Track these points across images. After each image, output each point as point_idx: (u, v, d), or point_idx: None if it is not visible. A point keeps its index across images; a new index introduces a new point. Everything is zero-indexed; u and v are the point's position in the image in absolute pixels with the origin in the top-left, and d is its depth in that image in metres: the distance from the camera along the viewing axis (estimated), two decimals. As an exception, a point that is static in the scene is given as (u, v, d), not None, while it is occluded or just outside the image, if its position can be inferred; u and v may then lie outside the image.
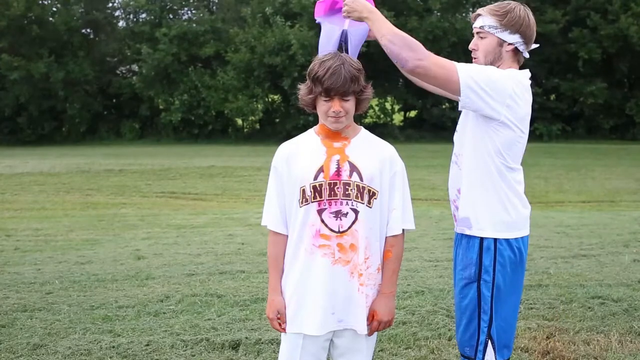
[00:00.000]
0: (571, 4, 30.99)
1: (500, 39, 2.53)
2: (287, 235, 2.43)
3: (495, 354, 2.55)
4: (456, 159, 2.65)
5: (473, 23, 2.61)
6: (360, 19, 2.49)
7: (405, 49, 2.36)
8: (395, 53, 2.38)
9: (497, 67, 2.55)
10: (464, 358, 2.62)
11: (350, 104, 2.33)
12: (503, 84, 2.42)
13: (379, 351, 3.78)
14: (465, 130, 2.59)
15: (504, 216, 2.53)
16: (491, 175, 2.52)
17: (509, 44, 2.54)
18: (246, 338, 3.99)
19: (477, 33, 2.59)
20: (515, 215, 2.55)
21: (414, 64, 2.36)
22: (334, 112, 2.32)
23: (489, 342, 2.54)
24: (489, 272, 2.52)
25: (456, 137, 2.68)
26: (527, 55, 2.61)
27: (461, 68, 2.40)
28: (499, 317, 2.55)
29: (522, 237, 2.58)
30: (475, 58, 2.60)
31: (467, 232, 2.57)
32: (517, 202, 2.57)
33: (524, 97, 2.49)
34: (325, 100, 2.32)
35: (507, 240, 2.53)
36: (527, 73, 2.57)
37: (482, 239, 2.53)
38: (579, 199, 13.83)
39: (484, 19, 2.56)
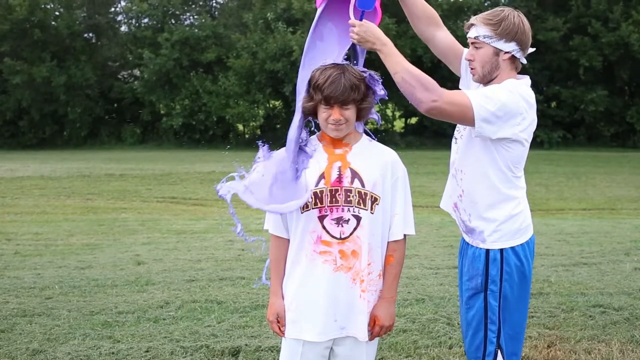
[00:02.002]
0: (572, 11, 31.08)
1: (497, 48, 2.49)
2: (289, 239, 2.43)
3: None
4: (455, 173, 2.62)
5: (467, 33, 2.55)
6: (372, 50, 2.42)
7: (420, 89, 2.31)
8: (408, 92, 2.34)
9: (496, 76, 2.52)
10: None
11: (350, 112, 2.33)
12: (514, 104, 2.39)
13: (379, 359, 3.77)
14: (471, 148, 2.53)
15: (514, 225, 2.52)
16: (499, 190, 2.51)
17: (506, 52, 2.49)
18: (246, 345, 3.98)
19: (472, 43, 2.53)
20: (522, 220, 2.55)
21: (428, 106, 2.32)
22: (333, 120, 2.32)
23: (499, 352, 2.52)
24: (496, 282, 2.50)
25: (456, 148, 2.63)
26: (524, 61, 2.57)
27: (474, 101, 2.35)
28: (507, 325, 2.53)
29: (527, 242, 2.56)
30: (472, 68, 2.57)
31: (482, 246, 2.54)
32: (523, 207, 2.57)
33: (531, 110, 2.47)
34: (325, 108, 2.32)
35: (512, 248, 2.52)
36: (528, 81, 2.54)
37: (488, 249, 2.52)
38: (579, 206, 13.82)
39: (477, 29, 2.51)
